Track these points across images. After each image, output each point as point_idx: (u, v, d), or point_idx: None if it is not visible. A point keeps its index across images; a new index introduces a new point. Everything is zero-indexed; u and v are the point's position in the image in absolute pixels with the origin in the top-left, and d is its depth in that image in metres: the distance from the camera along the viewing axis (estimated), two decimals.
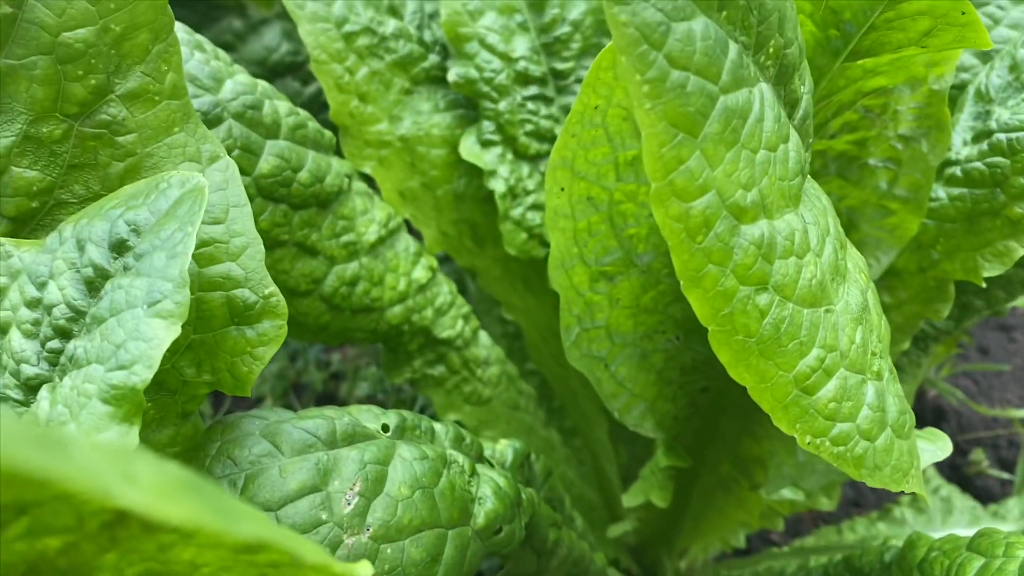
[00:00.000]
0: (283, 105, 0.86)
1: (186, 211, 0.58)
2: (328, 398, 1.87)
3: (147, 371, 0.53)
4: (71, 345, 0.58)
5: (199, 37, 0.87)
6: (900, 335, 1.03)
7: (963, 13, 0.70)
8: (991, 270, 0.91)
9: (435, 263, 1.05)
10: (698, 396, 1.03)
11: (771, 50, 0.57)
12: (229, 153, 0.79)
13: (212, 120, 0.78)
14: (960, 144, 0.94)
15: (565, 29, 1.07)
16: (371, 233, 0.95)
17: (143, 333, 0.54)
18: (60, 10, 0.59)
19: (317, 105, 1.42)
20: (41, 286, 0.61)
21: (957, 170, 0.91)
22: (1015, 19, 1.10)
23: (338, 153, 0.98)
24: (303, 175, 0.86)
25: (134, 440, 0.52)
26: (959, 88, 1.06)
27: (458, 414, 1.12)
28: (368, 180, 1.12)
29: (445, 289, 1.06)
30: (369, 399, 1.83)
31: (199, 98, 0.78)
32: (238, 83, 0.82)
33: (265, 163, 0.82)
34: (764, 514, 1.27)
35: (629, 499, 1.11)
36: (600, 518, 1.36)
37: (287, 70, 1.48)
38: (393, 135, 1.03)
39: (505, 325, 1.37)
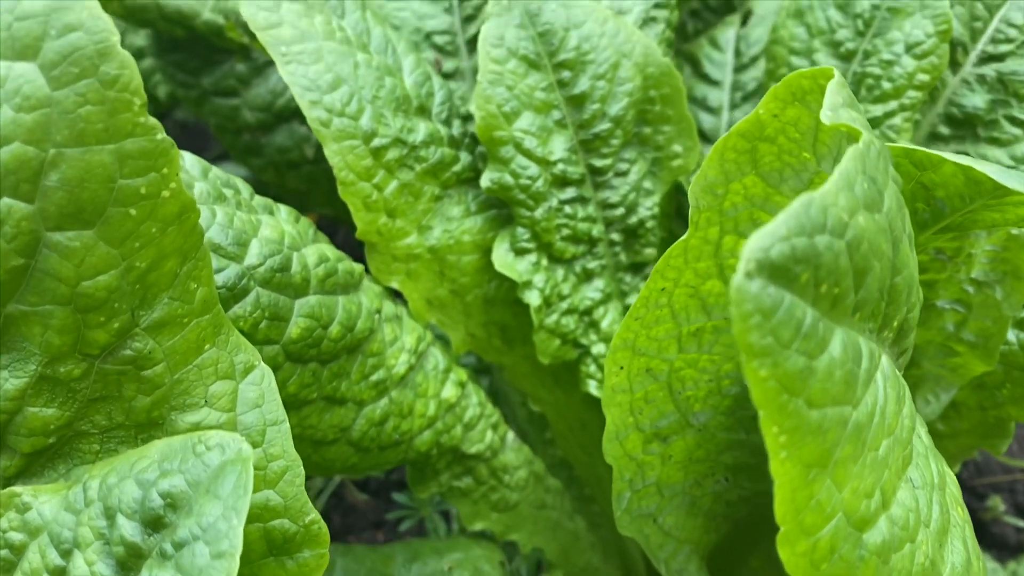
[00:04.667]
0: (312, 254, 0.78)
1: (230, 490, 0.51)
2: None
3: None
4: None
5: (215, 176, 0.78)
6: (951, 461, 0.98)
7: None
8: None
9: (464, 376, 0.98)
10: (741, 521, 0.98)
11: (895, 324, 0.50)
12: (256, 326, 0.72)
13: (238, 293, 0.70)
14: None
15: (606, 126, 0.99)
16: (401, 364, 0.89)
17: None
18: (78, 259, 0.51)
19: None
20: (66, 554, 0.54)
21: None
22: None
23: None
24: (333, 330, 0.79)
25: None
26: None
27: (485, 522, 1.07)
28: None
29: (474, 400, 1.00)
30: None
31: (223, 271, 0.70)
32: (264, 241, 0.74)
33: (294, 327, 0.75)
34: None
35: None
36: None
37: (293, 115, 1.39)
38: (422, 247, 0.96)
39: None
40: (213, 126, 1.41)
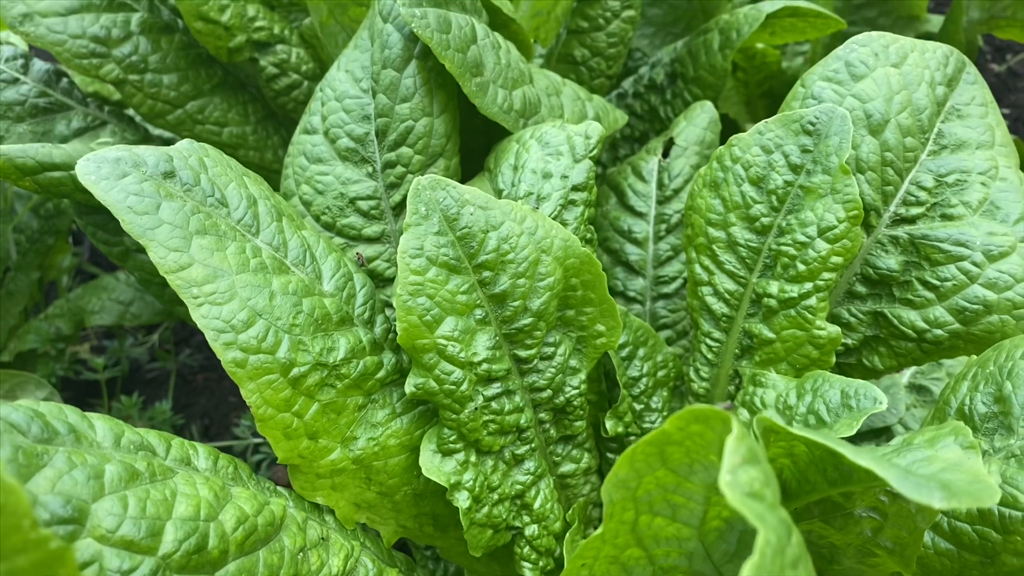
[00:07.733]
0: (230, 517, 0.77)
1: None
2: None
3: None
4: None
5: (128, 442, 0.77)
6: None
7: None
8: None
9: None
10: None
11: None
12: None
13: None
14: None
15: (528, 320, 0.99)
16: None
17: None
18: None
19: None
20: None
21: (944, 522, 0.88)
22: (991, 278, 1.07)
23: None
24: None
25: None
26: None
27: None
28: None
29: None
30: None
31: (137, 569, 0.68)
32: (179, 523, 0.72)
33: None
34: None
35: None
36: None
37: None
38: (347, 459, 0.95)
39: None
40: (138, 279, 1.38)
